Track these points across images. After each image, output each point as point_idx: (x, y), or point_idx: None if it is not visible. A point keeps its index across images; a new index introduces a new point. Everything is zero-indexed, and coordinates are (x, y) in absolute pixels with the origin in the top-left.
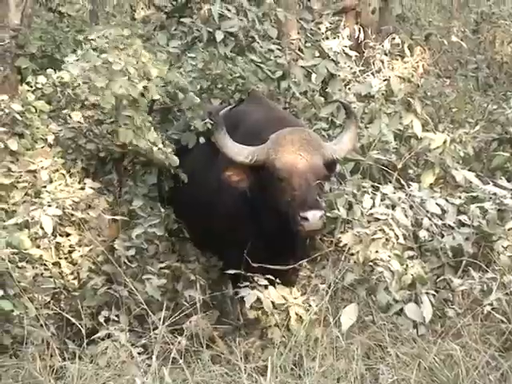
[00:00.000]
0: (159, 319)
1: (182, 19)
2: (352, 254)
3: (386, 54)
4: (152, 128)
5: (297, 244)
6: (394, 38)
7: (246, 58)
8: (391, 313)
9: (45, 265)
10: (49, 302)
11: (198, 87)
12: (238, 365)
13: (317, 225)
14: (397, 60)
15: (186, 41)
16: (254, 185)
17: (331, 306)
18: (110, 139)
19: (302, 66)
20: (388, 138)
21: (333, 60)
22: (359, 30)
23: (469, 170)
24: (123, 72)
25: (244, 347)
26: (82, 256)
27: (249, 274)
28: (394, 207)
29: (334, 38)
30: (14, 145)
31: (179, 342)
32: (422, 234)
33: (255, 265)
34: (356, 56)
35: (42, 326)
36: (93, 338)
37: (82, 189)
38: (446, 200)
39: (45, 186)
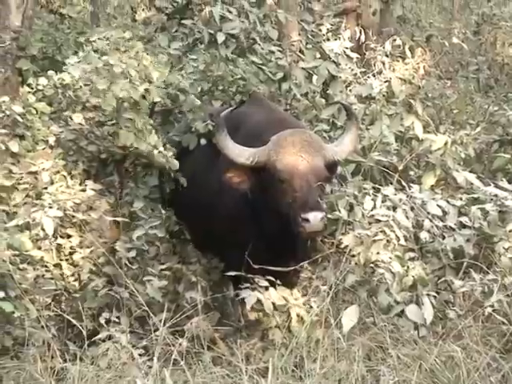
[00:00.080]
0: (160, 321)
1: (182, 21)
2: (353, 256)
3: (386, 56)
4: (153, 131)
5: (298, 245)
6: (394, 40)
7: (247, 59)
8: (392, 314)
9: (46, 266)
10: (50, 303)
11: (199, 89)
12: (239, 366)
13: (318, 226)
14: (398, 61)
15: (187, 42)
16: (254, 186)
17: (332, 307)
18: (111, 141)
19: (302, 68)
20: (389, 139)
21: (334, 61)
22: (360, 32)
23: (470, 172)
24: (124, 74)
25: (245, 349)
26: (82, 258)
27: (250, 276)
28: (395, 209)
29: (335, 39)
30: (14, 146)
31: (180, 344)
32: (423, 235)
33: (256, 266)
34: (357, 57)
35: (42, 327)
36: (94, 339)
37: (83, 190)
38: (447, 201)
39: (46, 188)
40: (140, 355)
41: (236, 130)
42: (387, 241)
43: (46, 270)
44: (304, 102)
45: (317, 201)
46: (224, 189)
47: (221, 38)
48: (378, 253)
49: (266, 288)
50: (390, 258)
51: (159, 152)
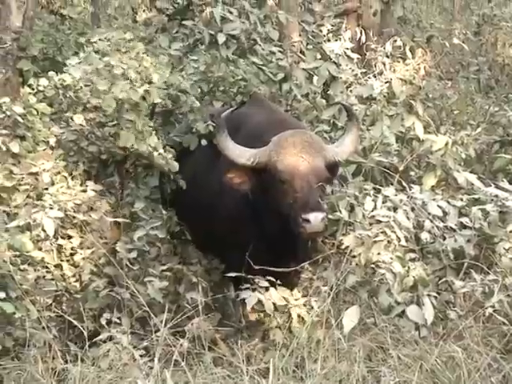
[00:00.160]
0: (161, 321)
1: (183, 22)
2: (354, 256)
3: (387, 56)
4: (153, 132)
5: (298, 246)
6: (395, 40)
7: (247, 60)
8: (393, 315)
9: (47, 267)
10: (51, 304)
11: (199, 90)
12: (240, 367)
13: (318, 227)
14: (398, 62)
15: (188, 43)
16: (255, 187)
17: (333, 308)
18: (112, 142)
19: (303, 69)
20: (390, 140)
21: (334, 62)
22: (361, 33)
23: (470, 172)
24: (125, 75)
25: (246, 349)
26: (83, 258)
27: (250, 276)
28: (395, 209)
29: (336, 40)
30: (15, 147)
31: (181, 345)
32: (424, 236)
33: (257, 267)
34: (358, 58)
35: (43, 328)
36: (95, 340)
37: (84, 191)
38: (448, 202)
39: (47, 189)
40: (141, 356)
41: (237, 130)
42: (388, 241)
43: (47, 271)
44: (305, 102)
45: (317, 201)
46: (225, 189)
47: (221, 38)
48: (378, 253)
49: (267, 289)
50: (391, 259)
51: (159, 154)
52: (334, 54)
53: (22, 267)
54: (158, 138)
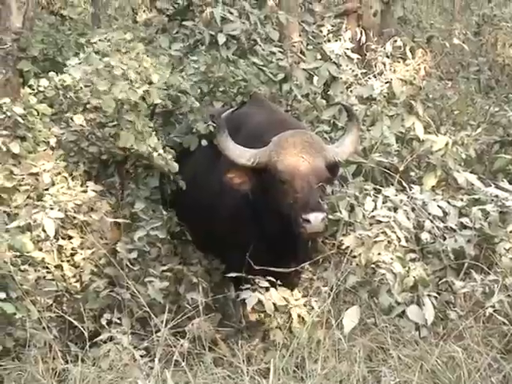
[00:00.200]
0: (161, 322)
1: (183, 22)
2: (354, 257)
3: (387, 57)
4: (153, 133)
5: (299, 246)
6: (395, 41)
7: (248, 60)
8: (393, 315)
9: (47, 268)
10: (51, 304)
11: (200, 91)
12: (241, 367)
13: (319, 227)
14: (398, 62)
15: (188, 44)
16: (255, 187)
17: (333, 308)
18: (112, 142)
19: (303, 69)
20: (390, 140)
21: (334, 62)
22: (361, 33)
23: (471, 173)
24: (125, 76)
25: (246, 349)
26: (84, 259)
27: (251, 277)
28: (395, 210)
29: (336, 40)
30: (16, 148)
31: (181, 345)
32: (424, 236)
33: (257, 267)
34: (358, 58)
35: (44, 328)
36: (95, 340)
37: (85, 192)
38: (448, 202)
39: (47, 189)
40: (141, 356)
41: (237, 131)
42: (388, 242)
43: (48, 272)
44: (305, 103)
45: (318, 202)
46: (225, 190)
47: (222, 39)
48: (378, 254)
49: (267, 289)
50: (391, 259)
51: (159, 154)
52: (335, 54)
53: (22, 268)
54: (158, 139)
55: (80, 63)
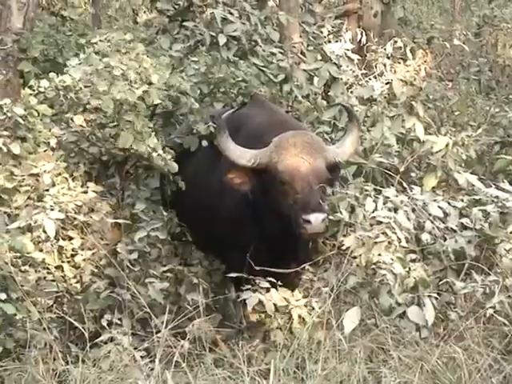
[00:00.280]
0: (162, 323)
1: (184, 23)
2: (354, 257)
3: (388, 58)
4: (152, 133)
5: (299, 247)
6: (396, 42)
7: (248, 61)
8: (394, 316)
9: (47, 268)
10: (52, 305)
11: (200, 91)
12: (241, 368)
13: (319, 228)
14: (399, 63)
15: (189, 44)
16: (256, 188)
17: (334, 309)
18: (113, 143)
19: (304, 70)
20: (390, 141)
21: (335, 63)
22: (361, 34)
23: (471, 173)
24: (124, 76)
25: (247, 350)
26: (84, 259)
27: (251, 277)
28: (396, 210)
29: (336, 41)
30: (16, 148)
31: (182, 346)
32: (425, 237)
33: (258, 268)
34: (358, 59)
35: (44, 329)
36: (96, 341)
37: (85, 192)
38: (448, 203)
39: (47, 190)
40: (142, 357)
41: (237, 131)
42: (388, 242)
43: (48, 272)
44: (305, 103)
45: (318, 202)
46: (225, 190)
47: (222, 40)
48: (379, 254)
49: (268, 289)
50: (392, 260)
51: (158, 155)
52: (335, 55)
53: (22, 268)
54: (158, 139)
55: (80, 63)
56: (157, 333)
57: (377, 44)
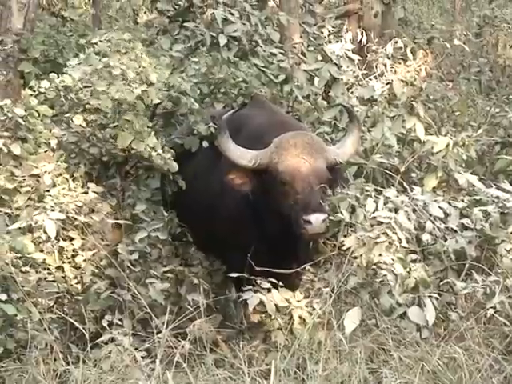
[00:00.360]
0: (162, 323)
1: (184, 23)
2: (355, 258)
3: (388, 58)
4: (152, 133)
5: (300, 247)
6: (396, 42)
7: (248, 62)
8: (394, 316)
9: (48, 269)
10: (52, 306)
11: (200, 92)
12: (242, 368)
13: (320, 228)
14: (399, 63)
15: (189, 45)
16: (256, 188)
17: (334, 309)
18: (113, 143)
19: (304, 70)
20: (391, 141)
21: (335, 64)
22: (362, 34)
23: (472, 174)
24: (123, 76)
25: (247, 351)
26: (85, 260)
27: (252, 278)
28: (396, 211)
29: (337, 41)
30: (16, 149)
31: (183, 346)
32: (425, 237)
33: (258, 268)
34: (359, 60)
35: (45, 330)
36: (96, 342)
37: (85, 193)
38: (449, 203)
39: (48, 191)
40: (142, 357)
41: (238, 132)
42: (389, 243)
43: (49, 273)
44: (306, 104)
45: (319, 203)
46: (226, 191)
47: (223, 40)
48: (380, 255)
49: (269, 290)
50: (392, 260)
51: (158, 154)
52: (335, 55)
53: (23, 269)
54: (157, 139)
55: (80, 64)
56: (157, 333)
57: (377, 44)
